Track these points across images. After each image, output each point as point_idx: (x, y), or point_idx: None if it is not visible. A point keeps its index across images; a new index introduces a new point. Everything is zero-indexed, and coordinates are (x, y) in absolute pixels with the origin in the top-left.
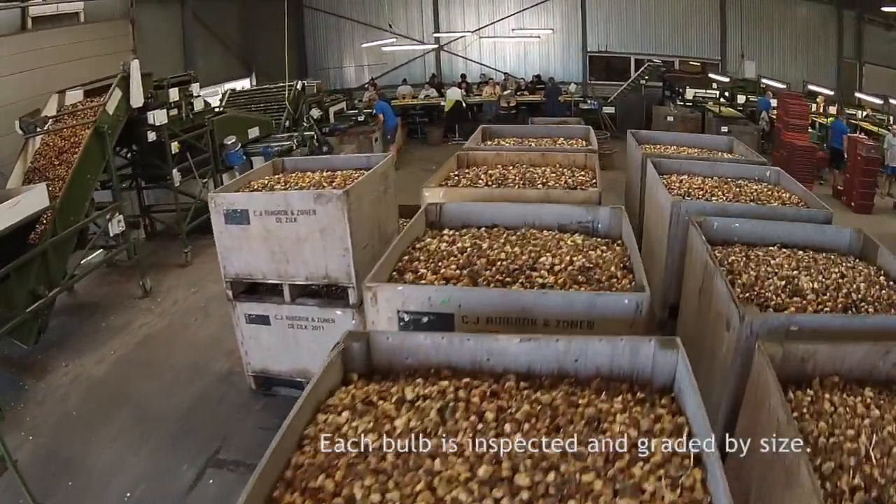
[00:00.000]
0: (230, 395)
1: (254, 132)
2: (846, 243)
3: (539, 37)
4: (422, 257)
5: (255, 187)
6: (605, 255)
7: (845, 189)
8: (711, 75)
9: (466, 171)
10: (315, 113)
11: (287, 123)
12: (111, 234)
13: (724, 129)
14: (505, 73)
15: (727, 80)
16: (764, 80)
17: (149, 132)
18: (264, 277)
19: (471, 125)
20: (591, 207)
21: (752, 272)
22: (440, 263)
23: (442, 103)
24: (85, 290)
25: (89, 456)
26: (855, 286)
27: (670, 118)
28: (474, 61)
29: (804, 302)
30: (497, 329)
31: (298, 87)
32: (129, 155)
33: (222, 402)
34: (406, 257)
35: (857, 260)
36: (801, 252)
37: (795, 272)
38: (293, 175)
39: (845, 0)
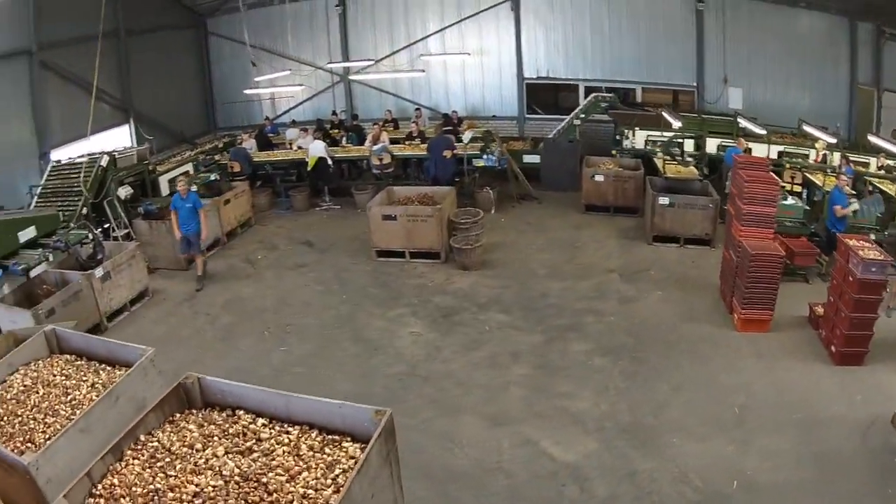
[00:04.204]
0: None
1: (28, 234)
2: None
3: (420, 69)
4: None
5: None
6: None
7: (825, 321)
8: (664, 113)
9: None
10: (123, 192)
11: (85, 211)
12: None
13: (664, 200)
14: (418, 108)
15: (679, 121)
16: (742, 121)
17: None
18: None
19: (348, 184)
20: None
21: None
22: None
23: (307, 158)
24: None
25: None
26: None
27: (598, 178)
28: (390, 93)
29: None
30: None
31: (103, 162)
32: None
33: None
34: None
35: None
36: None
37: None
38: None
39: (860, 8)
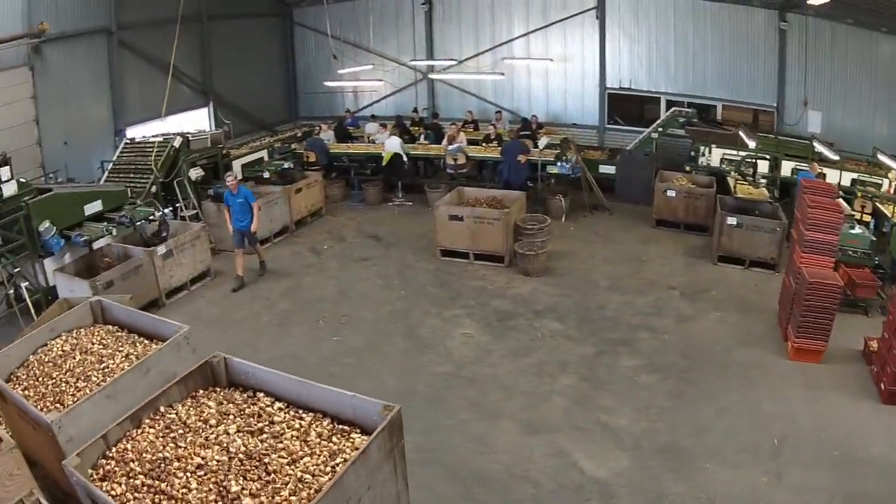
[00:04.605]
0: None
1: (94, 207)
2: None
3: (500, 72)
4: None
5: None
6: None
7: (878, 357)
8: (740, 132)
9: None
10: (194, 173)
11: (154, 189)
12: None
13: (731, 220)
14: (498, 111)
15: (754, 141)
16: (817, 145)
17: None
18: None
19: (422, 181)
20: None
21: None
22: None
23: (382, 153)
24: None
25: None
26: None
27: (670, 193)
28: (472, 94)
29: None
30: None
31: (176, 143)
32: None
33: None
34: None
35: None
36: None
37: None
38: None
39: None
